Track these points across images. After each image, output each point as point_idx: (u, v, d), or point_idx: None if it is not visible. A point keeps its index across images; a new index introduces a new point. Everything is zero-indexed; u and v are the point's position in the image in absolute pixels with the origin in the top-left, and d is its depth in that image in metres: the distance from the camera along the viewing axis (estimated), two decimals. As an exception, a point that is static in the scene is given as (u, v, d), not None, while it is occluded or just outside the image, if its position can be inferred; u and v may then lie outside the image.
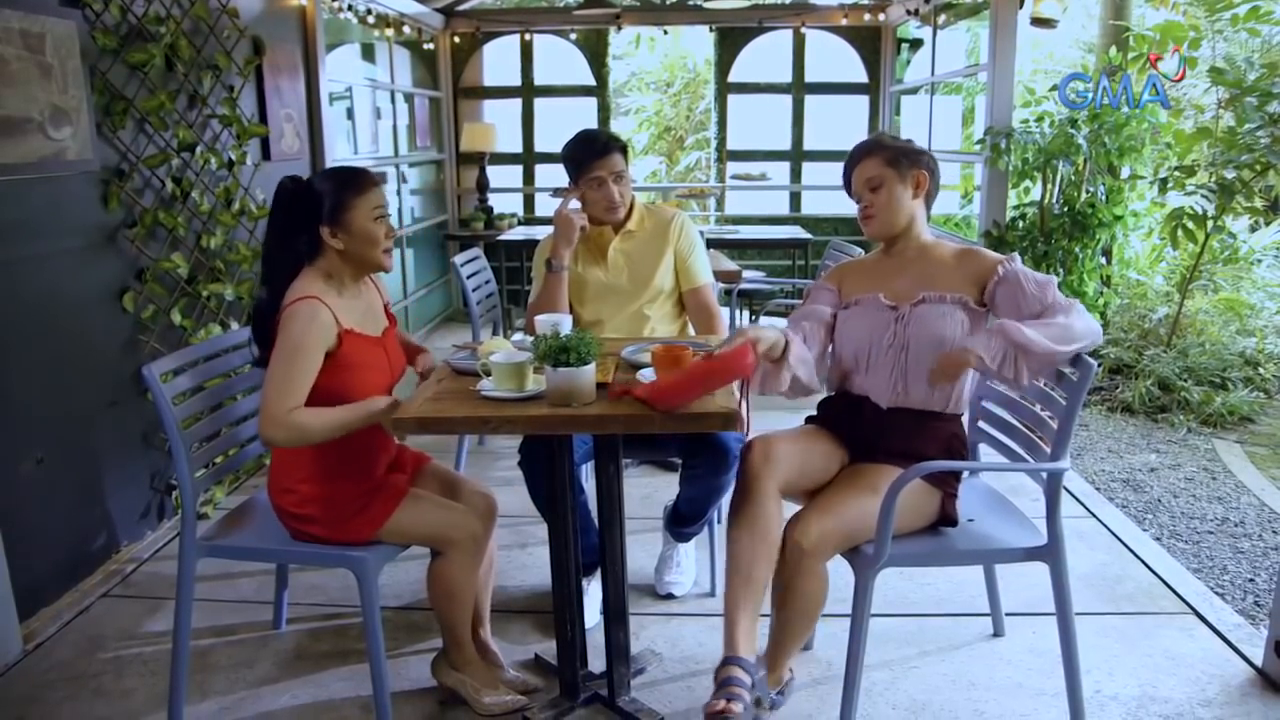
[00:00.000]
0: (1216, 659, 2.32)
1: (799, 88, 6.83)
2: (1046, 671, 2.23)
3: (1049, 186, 4.81)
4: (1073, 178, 4.76)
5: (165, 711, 2.08)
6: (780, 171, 7.20)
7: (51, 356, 2.69)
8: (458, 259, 3.85)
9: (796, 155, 6.93)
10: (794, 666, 2.14)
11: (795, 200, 7.09)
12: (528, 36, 6.79)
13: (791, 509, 1.99)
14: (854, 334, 2.09)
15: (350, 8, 4.96)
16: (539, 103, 6.94)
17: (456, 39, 6.72)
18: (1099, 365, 2.92)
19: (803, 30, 6.66)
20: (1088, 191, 4.71)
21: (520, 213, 7.05)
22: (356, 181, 1.98)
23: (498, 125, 6.51)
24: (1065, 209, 4.72)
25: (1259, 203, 5.15)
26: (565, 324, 2.14)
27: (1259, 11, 4.63)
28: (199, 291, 3.31)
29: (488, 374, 1.90)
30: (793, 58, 6.78)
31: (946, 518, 1.99)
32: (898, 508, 1.81)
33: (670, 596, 2.63)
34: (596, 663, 2.18)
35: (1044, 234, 4.73)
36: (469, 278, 3.79)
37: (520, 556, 2.91)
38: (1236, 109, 4.64)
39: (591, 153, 2.56)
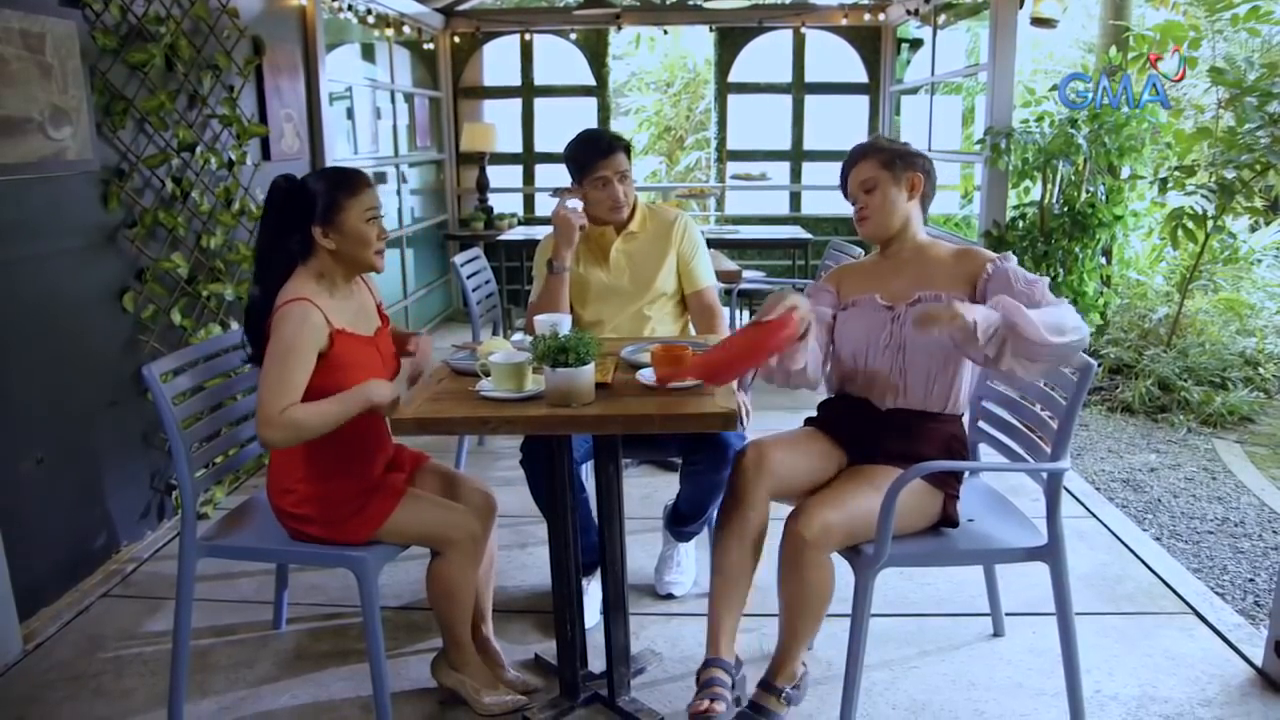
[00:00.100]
0: (1216, 659, 2.32)
1: (799, 88, 6.82)
2: (1046, 671, 2.23)
3: (1049, 186, 4.80)
4: (1073, 178, 4.75)
5: (165, 711, 2.08)
6: (780, 171, 7.19)
7: (51, 356, 2.69)
8: (458, 259, 3.86)
9: (796, 155, 6.92)
10: (806, 661, 2.13)
11: (795, 200, 7.08)
12: (528, 36, 6.79)
13: (789, 510, 1.98)
14: (852, 335, 2.10)
15: (350, 8, 4.96)
16: (539, 103, 6.93)
17: (456, 39, 6.71)
18: (1099, 365, 2.91)
19: (803, 30, 6.66)
20: (1088, 191, 4.71)
21: (520, 213, 7.04)
22: (349, 182, 1.98)
23: (498, 125, 6.51)
24: (1065, 209, 4.71)
25: (1259, 203, 5.15)
26: (564, 324, 2.15)
27: (1259, 11, 4.63)
28: (199, 291, 3.31)
29: (487, 374, 1.90)
30: (793, 58, 6.77)
31: (948, 519, 2.00)
32: (899, 509, 1.82)
33: (670, 596, 2.63)
34: (596, 663, 2.18)
35: (1044, 234, 4.72)
36: (469, 278, 3.80)
37: (520, 556, 2.91)
38: (1236, 109, 4.64)
39: (596, 152, 2.56)
